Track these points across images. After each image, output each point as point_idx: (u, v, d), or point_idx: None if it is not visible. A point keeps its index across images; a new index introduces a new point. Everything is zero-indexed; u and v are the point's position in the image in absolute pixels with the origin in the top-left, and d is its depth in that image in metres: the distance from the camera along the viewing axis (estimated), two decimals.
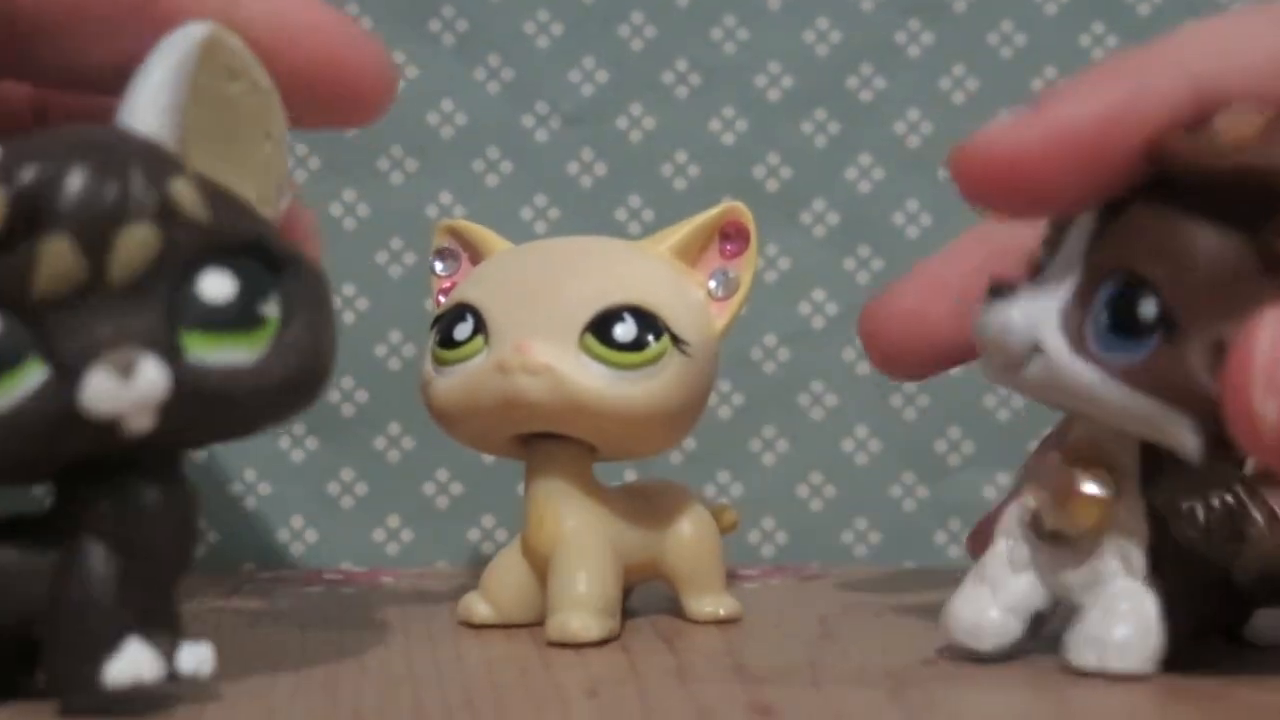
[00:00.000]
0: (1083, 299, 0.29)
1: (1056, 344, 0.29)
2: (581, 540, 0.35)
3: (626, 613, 0.38)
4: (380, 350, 0.47)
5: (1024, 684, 0.30)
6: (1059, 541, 0.31)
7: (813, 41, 0.49)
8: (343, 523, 0.47)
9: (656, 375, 0.34)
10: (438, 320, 0.36)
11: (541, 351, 0.34)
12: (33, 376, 0.25)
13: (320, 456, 0.47)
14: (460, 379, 0.35)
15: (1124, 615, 0.29)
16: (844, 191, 0.49)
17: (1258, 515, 0.33)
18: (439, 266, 0.39)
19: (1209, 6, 0.49)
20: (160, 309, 0.26)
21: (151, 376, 0.25)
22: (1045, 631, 0.31)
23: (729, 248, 0.37)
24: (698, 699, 0.28)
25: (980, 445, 0.49)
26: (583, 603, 0.34)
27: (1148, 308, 0.28)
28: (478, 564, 0.47)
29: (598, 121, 0.48)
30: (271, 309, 0.27)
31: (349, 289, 0.47)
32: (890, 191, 0.49)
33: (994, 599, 0.31)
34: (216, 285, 0.26)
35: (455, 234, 0.39)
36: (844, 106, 0.49)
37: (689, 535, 0.37)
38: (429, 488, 0.47)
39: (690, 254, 0.37)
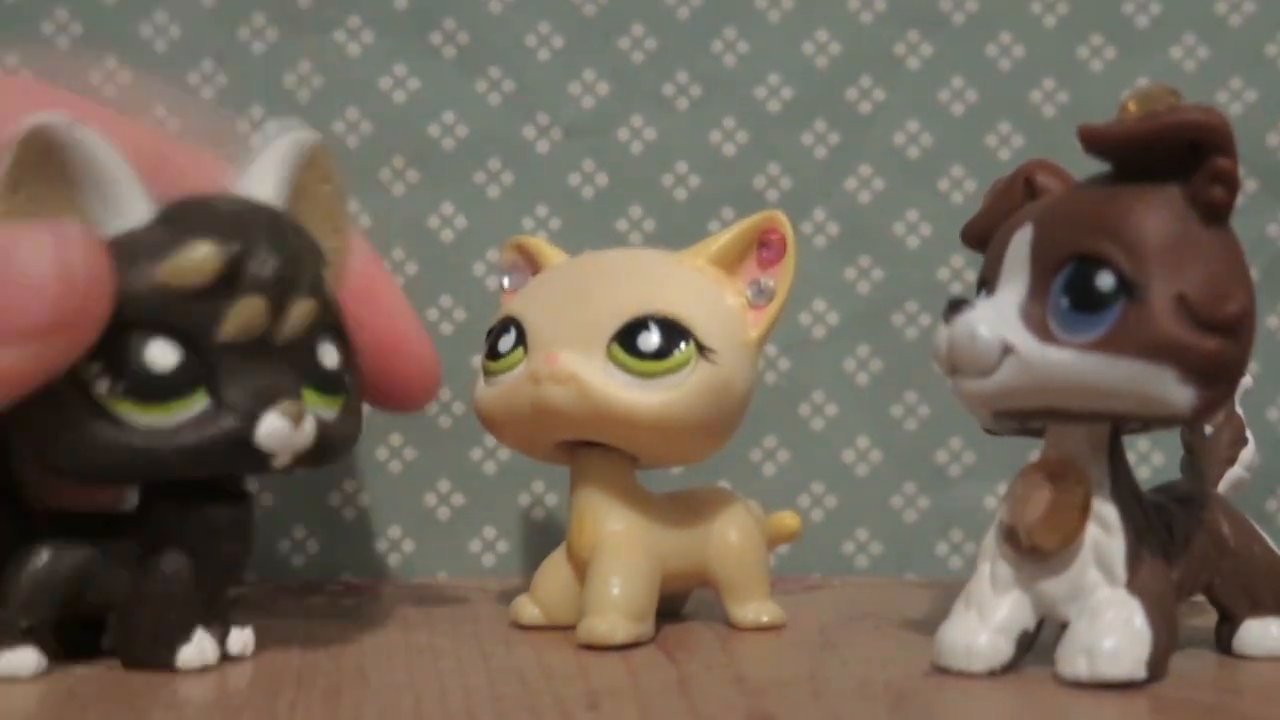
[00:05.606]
0: (1038, 294, 0.30)
1: (1024, 339, 0.30)
2: (618, 545, 0.36)
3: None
4: None
5: (1021, 696, 0.30)
6: (1038, 557, 0.31)
7: (812, 53, 0.49)
8: (345, 534, 0.47)
9: (681, 383, 0.35)
10: (489, 334, 0.37)
11: (568, 361, 0.35)
12: (196, 405, 0.30)
13: (322, 468, 0.47)
14: (501, 389, 0.36)
15: (1111, 624, 0.30)
16: (844, 202, 0.49)
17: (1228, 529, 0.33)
18: (505, 281, 0.40)
19: (1205, 18, 0.49)
20: (298, 369, 0.31)
21: (309, 428, 0.31)
22: (1036, 645, 0.31)
23: (766, 255, 0.37)
24: (699, 710, 0.28)
25: (981, 456, 0.49)
26: (614, 606, 0.35)
27: (1105, 279, 0.29)
28: (479, 575, 0.47)
29: (599, 133, 0.48)
30: (348, 381, 0.32)
31: None
32: (890, 202, 0.49)
33: (982, 623, 0.31)
34: (329, 355, 0.32)
35: (520, 249, 0.40)
36: (844, 117, 0.49)
37: (733, 542, 0.37)
38: (430, 499, 0.48)
39: (728, 262, 0.37)
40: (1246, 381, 0.34)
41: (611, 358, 0.35)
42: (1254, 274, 0.30)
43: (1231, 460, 0.36)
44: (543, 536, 0.47)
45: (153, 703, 0.29)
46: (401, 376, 0.38)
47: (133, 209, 0.30)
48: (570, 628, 0.35)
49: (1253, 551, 0.33)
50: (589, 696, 0.29)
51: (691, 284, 0.36)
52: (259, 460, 0.30)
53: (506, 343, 0.37)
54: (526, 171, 0.48)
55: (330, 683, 0.31)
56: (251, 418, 0.30)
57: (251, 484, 0.46)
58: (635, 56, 0.48)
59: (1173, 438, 0.37)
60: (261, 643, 0.34)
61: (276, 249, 0.30)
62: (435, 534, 0.48)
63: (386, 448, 0.47)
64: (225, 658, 0.32)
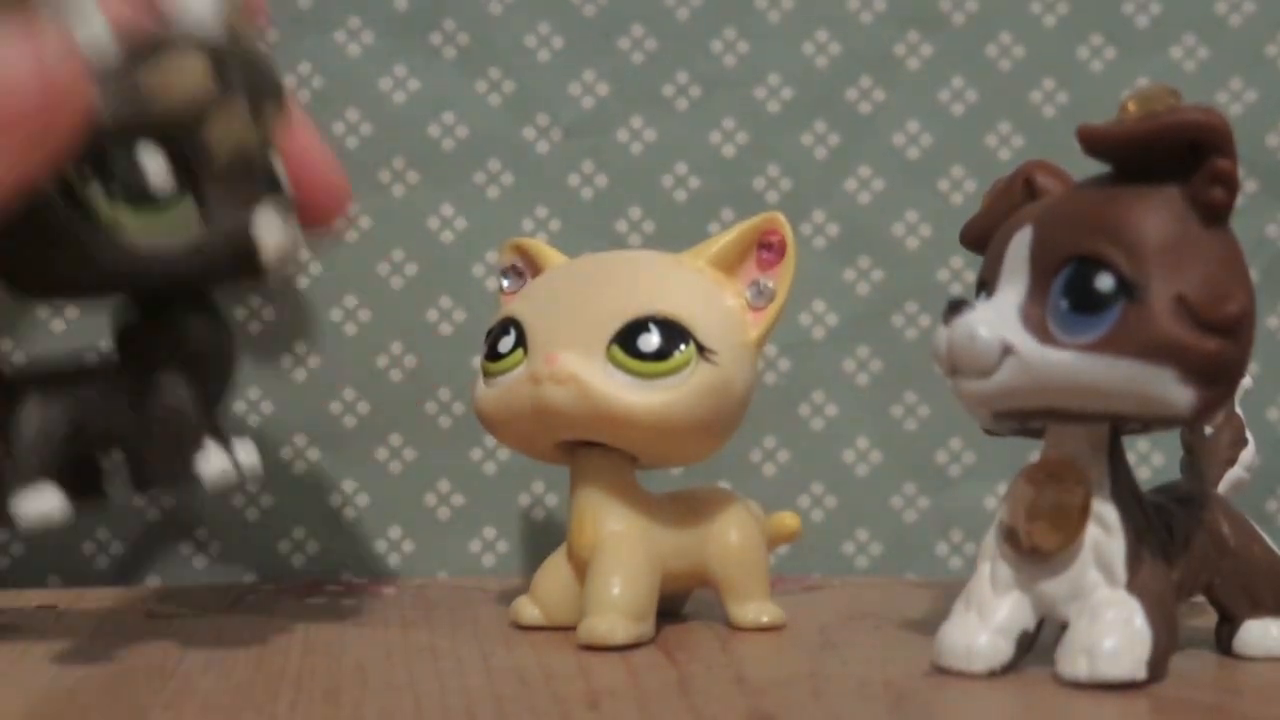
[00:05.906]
0: (1038, 295, 0.30)
1: (1024, 340, 0.30)
2: (618, 546, 0.36)
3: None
4: (382, 361, 0.47)
5: (1021, 696, 0.30)
6: (1038, 558, 0.31)
7: (812, 54, 0.49)
8: (345, 534, 0.47)
9: (681, 383, 0.35)
10: (488, 335, 0.37)
11: (568, 362, 0.35)
12: (188, 210, 0.31)
13: (322, 468, 0.47)
14: (501, 389, 0.36)
15: (1111, 624, 0.30)
16: (844, 203, 0.49)
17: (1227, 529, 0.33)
18: (505, 283, 0.40)
19: (1205, 18, 0.49)
20: (267, 179, 0.32)
21: (295, 227, 0.32)
22: (1036, 645, 0.31)
23: (766, 257, 0.37)
24: (699, 710, 0.28)
25: (981, 456, 0.49)
26: (614, 606, 0.35)
27: (1104, 281, 0.29)
28: (479, 575, 0.47)
29: (598, 134, 0.48)
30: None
31: (350, 300, 0.47)
32: (890, 202, 0.49)
33: (982, 624, 0.31)
34: (280, 168, 0.33)
35: (520, 251, 0.40)
36: (844, 118, 0.49)
37: (733, 542, 0.37)
38: (430, 499, 0.48)
39: (728, 263, 0.37)
40: (1246, 382, 0.34)
41: (611, 359, 0.35)
42: (1254, 274, 0.30)
43: (1231, 460, 0.36)
44: (543, 536, 0.47)
45: (152, 703, 0.29)
46: (314, 199, 0.37)
47: (93, 26, 0.30)
48: (570, 628, 0.35)
49: (1253, 552, 0.33)
50: (589, 696, 0.29)
51: (691, 285, 0.36)
52: (253, 258, 0.31)
53: (506, 344, 0.37)
54: (526, 172, 0.48)
55: (330, 683, 0.31)
56: (247, 211, 0.31)
57: (251, 485, 0.47)
58: (635, 57, 0.48)
59: (1173, 438, 0.37)
60: (261, 643, 0.34)
61: (251, 61, 0.32)
62: (435, 534, 0.48)
63: (386, 448, 0.47)
64: (237, 469, 0.32)
